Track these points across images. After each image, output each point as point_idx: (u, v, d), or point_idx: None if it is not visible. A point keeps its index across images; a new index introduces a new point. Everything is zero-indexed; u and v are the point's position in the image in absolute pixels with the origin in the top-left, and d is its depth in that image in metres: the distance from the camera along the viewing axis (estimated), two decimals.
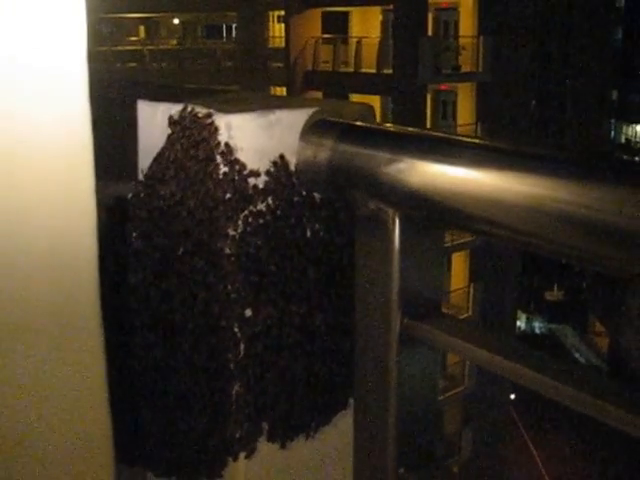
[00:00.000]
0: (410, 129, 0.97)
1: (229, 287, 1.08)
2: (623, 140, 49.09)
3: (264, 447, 1.14)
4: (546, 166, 0.81)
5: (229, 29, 31.01)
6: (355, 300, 1.08)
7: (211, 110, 1.06)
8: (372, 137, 1.02)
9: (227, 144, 1.05)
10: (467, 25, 22.10)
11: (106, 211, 1.14)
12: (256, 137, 1.06)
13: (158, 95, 1.19)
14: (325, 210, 1.12)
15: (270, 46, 26.58)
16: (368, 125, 1.06)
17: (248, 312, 1.09)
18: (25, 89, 0.91)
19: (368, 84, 21.65)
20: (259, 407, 1.13)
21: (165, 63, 28.19)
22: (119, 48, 27.76)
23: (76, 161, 0.95)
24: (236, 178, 1.06)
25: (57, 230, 0.96)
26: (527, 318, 46.41)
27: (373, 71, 21.58)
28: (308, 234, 1.11)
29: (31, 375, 0.98)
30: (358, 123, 1.07)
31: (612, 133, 50.39)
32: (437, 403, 1.09)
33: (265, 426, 1.14)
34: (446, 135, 0.94)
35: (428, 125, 21.98)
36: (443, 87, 22.33)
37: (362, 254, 1.05)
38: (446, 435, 22.15)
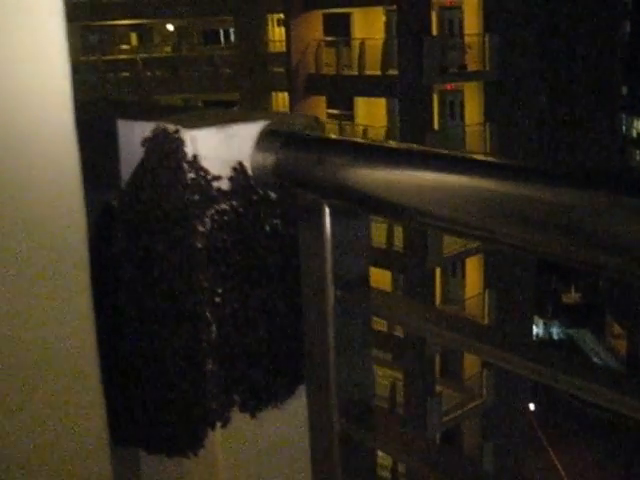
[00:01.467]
0: (335, 137, 1.18)
1: (201, 277, 1.24)
2: (635, 135, 48.83)
3: (237, 416, 1.31)
4: (436, 163, 1.01)
5: (227, 34, 29.33)
6: (301, 280, 1.29)
7: (179, 127, 1.23)
8: (306, 143, 1.22)
9: (194, 155, 1.22)
10: (472, 23, 21.65)
11: (95, 217, 1.29)
12: (217, 148, 1.23)
13: (135, 114, 1.39)
14: (279, 206, 1.30)
15: (270, 51, 25.29)
16: (304, 133, 1.25)
17: (218, 298, 1.26)
18: (8, 100, 0.98)
19: (373, 86, 21.15)
20: (231, 381, 1.29)
21: (160, 72, 26.59)
22: (110, 57, 26.22)
23: (65, 173, 1.07)
24: (202, 183, 1.23)
25: (50, 232, 1.07)
26: (544, 324, 45.34)
27: (377, 73, 21.04)
28: (266, 228, 1.29)
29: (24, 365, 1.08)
30: (297, 132, 1.25)
31: (624, 128, 50.15)
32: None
33: (237, 398, 1.30)
34: (363, 141, 1.14)
35: (436, 127, 21.66)
36: (449, 87, 22.01)
37: (304, 240, 1.25)
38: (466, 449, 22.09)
